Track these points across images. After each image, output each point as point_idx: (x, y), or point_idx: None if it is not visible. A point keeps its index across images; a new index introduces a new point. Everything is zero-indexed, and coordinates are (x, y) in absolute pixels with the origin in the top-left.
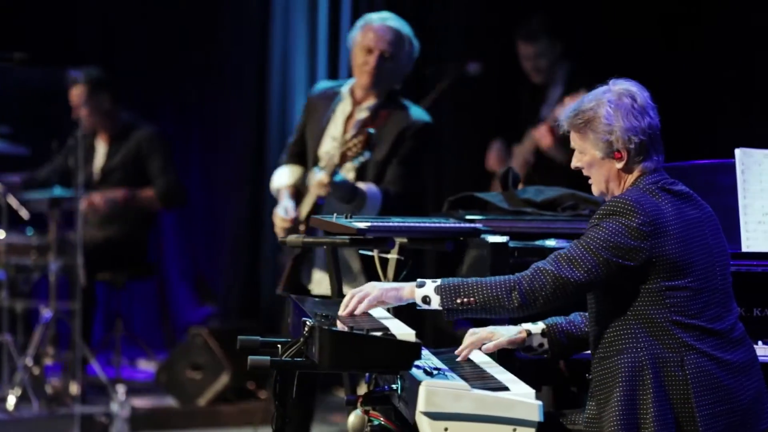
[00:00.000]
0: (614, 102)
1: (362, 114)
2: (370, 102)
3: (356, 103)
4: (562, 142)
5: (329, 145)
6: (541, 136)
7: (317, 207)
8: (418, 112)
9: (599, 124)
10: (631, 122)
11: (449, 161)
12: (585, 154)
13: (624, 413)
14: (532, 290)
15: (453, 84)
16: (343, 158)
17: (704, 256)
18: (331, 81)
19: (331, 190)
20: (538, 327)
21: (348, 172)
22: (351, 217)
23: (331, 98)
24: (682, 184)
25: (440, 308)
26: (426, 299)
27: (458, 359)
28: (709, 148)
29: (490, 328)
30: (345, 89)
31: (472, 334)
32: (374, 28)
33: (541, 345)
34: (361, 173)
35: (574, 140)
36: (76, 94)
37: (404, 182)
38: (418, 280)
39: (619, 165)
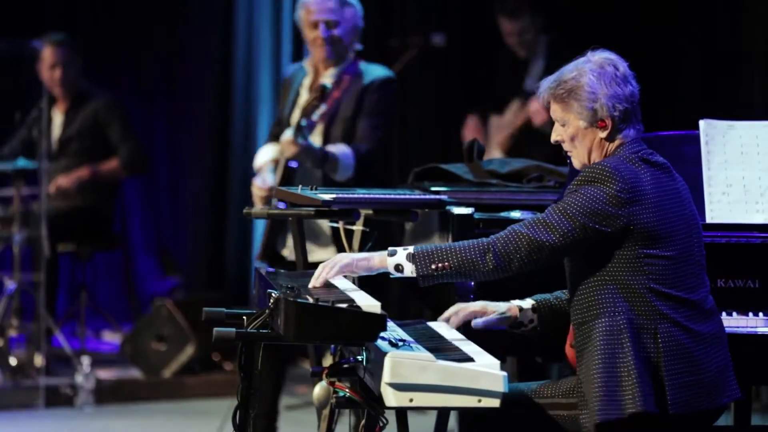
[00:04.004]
0: (596, 70)
1: (325, 81)
2: (332, 70)
3: (318, 73)
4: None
5: (299, 114)
6: (535, 112)
7: (290, 172)
8: (379, 70)
9: (583, 92)
10: (614, 90)
11: (414, 133)
12: (568, 126)
13: (605, 376)
14: (507, 252)
15: (417, 55)
16: (304, 113)
17: (682, 227)
18: (299, 62)
19: (300, 153)
20: (527, 303)
21: (315, 137)
22: (316, 189)
23: (298, 73)
24: (660, 155)
25: (414, 275)
26: (399, 267)
27: (440, 319)
28: (673, 119)
29: (481, 303)
30: (307, 63)
31: (462, 308)
32: (312, 2)
33: (531, 321)
34: (327, 134)
35: (556, 112)
36: (52, 53)
37: (374, 135)
38: (390, 248)
39: (603, 134)
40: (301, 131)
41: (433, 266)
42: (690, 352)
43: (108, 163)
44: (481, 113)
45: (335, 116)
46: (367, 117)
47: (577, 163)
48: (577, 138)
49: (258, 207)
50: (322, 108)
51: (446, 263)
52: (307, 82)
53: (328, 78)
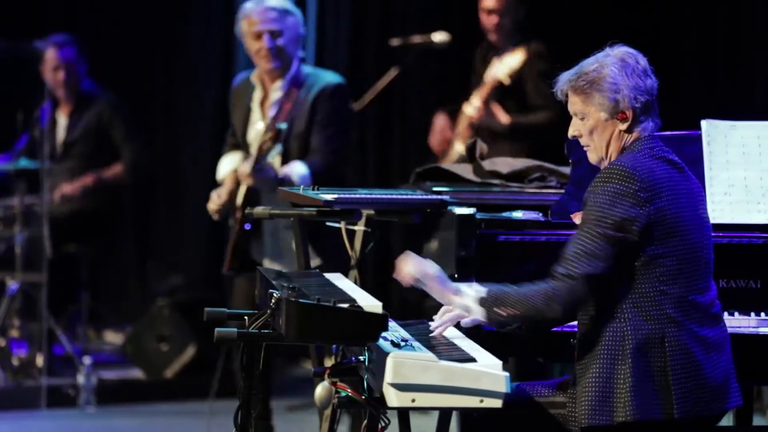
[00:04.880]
0: (618, 63)
1: (275, 95)
2: (279, 82)
3: (266, 87)
4: (492, 111)
5: (254, 132)
6: (475, 110)
7: (252, 193)
8: (327, 77)
9: (605, 83)
10: (636, 81)
11: (416, 133)
12: (587, 119)
13: (601, 381)
14: (571, 300)
15: (419, 55)
16: (260, 152)
17: (695, 227)
18: (248, 71)
19: (258, 181)
20: None
21: (274, 156)
22: (318, 189)
23: (248, 87)
24: (675, 154)
25: (480, 318)
26: (468, 310)
27: (433, 334)
28: (674, 119)
29: None
30: (254, 77)
31: (447, 311)
32: (254, 13)
33: None
34: (285, 151)
35: (575, 104)
36: (55, 55)
37: (328, 148)
38: (455, 287)
39: (623, 126)
40: (258, 162)
41: (499, 310)
42: (695, 357)
43: (112, 169)
44: (450, 110)
45: (290, 132)
46: (320, 129)
47: (593, 157)
48: (597, 130)
49: (260, 207)
50: (278, 149)
51: (514, 311)
52: (257, 96)
53: (276, 91)
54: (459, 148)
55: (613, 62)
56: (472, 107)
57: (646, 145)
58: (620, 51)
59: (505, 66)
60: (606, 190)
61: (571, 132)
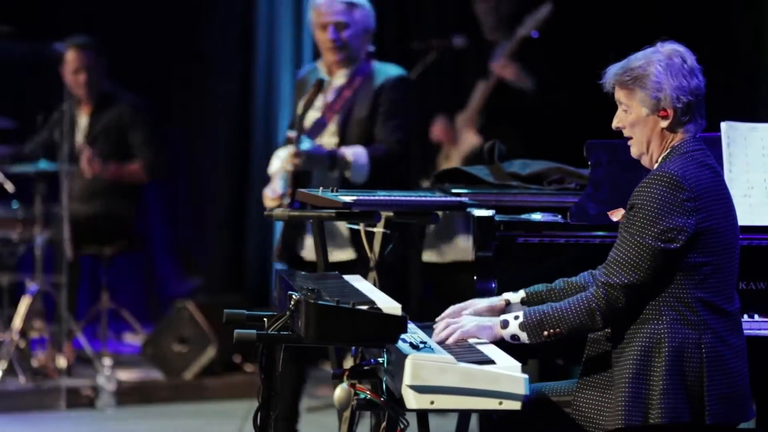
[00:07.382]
0: (664, 61)
1: (338, 81)
2: (344, 71)
3: (331, 74)
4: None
5: (312, 117)
6: (503, 68)
7: (302, 178)
8: (392, 69)
9: (649, 81)
10: (680, 81)
11: None
12: (630, 112)
13: (635, 382)
14: (611, 310)
15: (438, 57)
16: (305, 108)
17: (730, 235)
18: (314, 62)
19: (305, 160)
20: (517, 296)
21: (330, 137)
22: (337, 191)
23: (313, 74)
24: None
25: (529, 342)
26: (515, 337)
27: (438, 320)
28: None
29: (469, 301)
30: (320, 64)
31: (453, 310)
32: (321, 4)
33: (517, 318)
34: (343, 135)
35: (620, 97)
36: (76, 58)
37: (392, 137)
38: (502, 319)
39: (664, 123)
40: (301, 141)
41: (545, 333)
42: (729, 366)
43: (131, 166)
44: (448, 113)
45: (349, 117)
46: (384, 119)
47: (635, 151)
48: (638, 125)
49: (279, 209)
50: (320, 99)
51: (557, 329)
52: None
53: (340, 78)
54: (472, 138)
55: (659, 60)
56: (500, 65)
57: (692, 149)
58: (669, 48)
59: (531, 21)
60: (653, 197)
61: (615, 123)
